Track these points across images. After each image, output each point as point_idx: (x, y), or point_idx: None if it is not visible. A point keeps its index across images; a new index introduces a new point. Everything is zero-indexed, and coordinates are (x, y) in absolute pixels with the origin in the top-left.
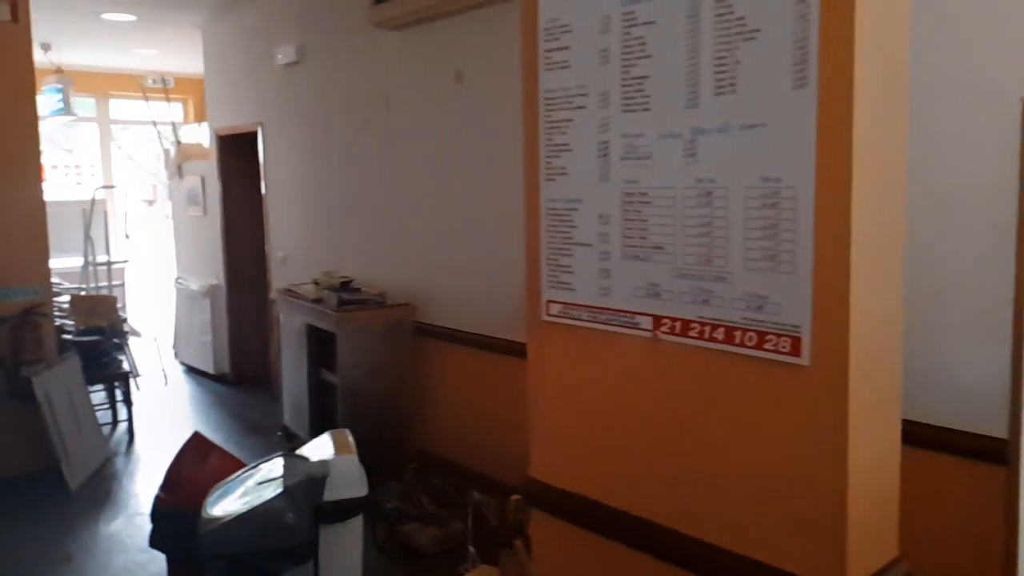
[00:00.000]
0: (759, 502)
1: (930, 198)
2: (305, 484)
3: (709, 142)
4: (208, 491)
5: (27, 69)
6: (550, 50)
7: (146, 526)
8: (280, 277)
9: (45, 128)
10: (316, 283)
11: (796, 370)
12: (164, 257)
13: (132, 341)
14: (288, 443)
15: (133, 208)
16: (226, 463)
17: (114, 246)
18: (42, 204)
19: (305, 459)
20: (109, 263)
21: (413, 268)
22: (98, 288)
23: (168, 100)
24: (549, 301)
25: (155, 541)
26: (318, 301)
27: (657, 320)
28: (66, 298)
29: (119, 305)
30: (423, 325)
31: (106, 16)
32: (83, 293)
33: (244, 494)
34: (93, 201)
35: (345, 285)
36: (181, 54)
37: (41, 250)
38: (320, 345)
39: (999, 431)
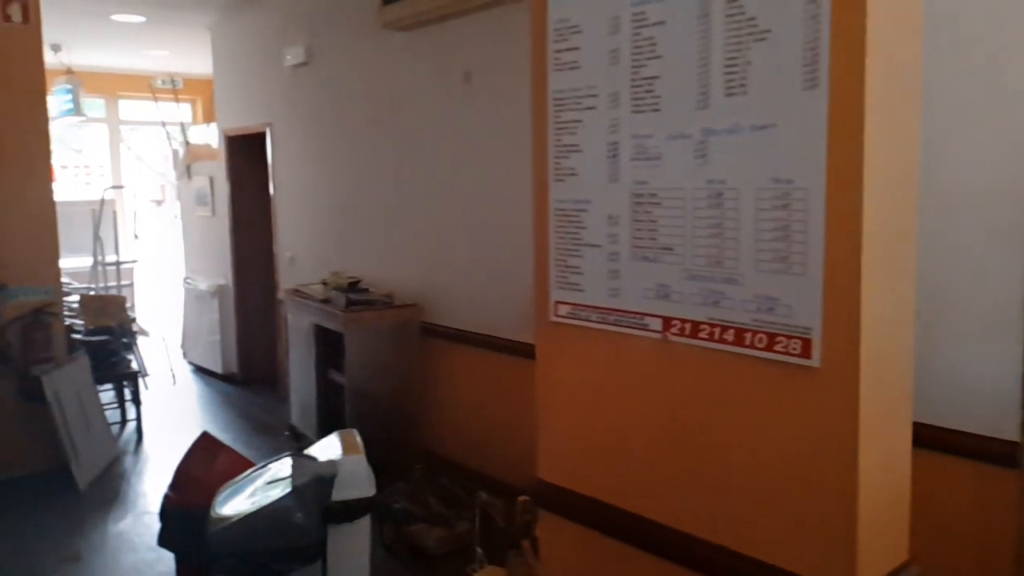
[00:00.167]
0: (769, 504)
1: (938, 198)
2: (313, 484)
3: (720, 143)
4: (217, 490)
5: (37, 70)
6: (559, 50)
7: (155, 525)
8: (288, 277)
9: (55, 128)
10: (324, 283)
11: (806, 372)
12: (173, 257)
13: (141, 341)
14: (296, 443)
15: (142, 208)
16: (235, 463)
17: (123, 246)
18: (52, 204)
19: (313, 459)
20: (118, 263)
21: (421, 268)
22: (107, 288)
23: (177, 101)
24: (558, 302)
25: (164, 540)
26: (326, 301)
27: (667, 321)
28: (75, 298)
29: (128, 305)
30: (430, 326)
31: (116, 17)
32: (92, 293)
33: (253, 494)
34: (102, 201)
35: (353, 285)
36: (190, 55)
37: (51, 250)
38: (328, 345)
39: (1010, 434)
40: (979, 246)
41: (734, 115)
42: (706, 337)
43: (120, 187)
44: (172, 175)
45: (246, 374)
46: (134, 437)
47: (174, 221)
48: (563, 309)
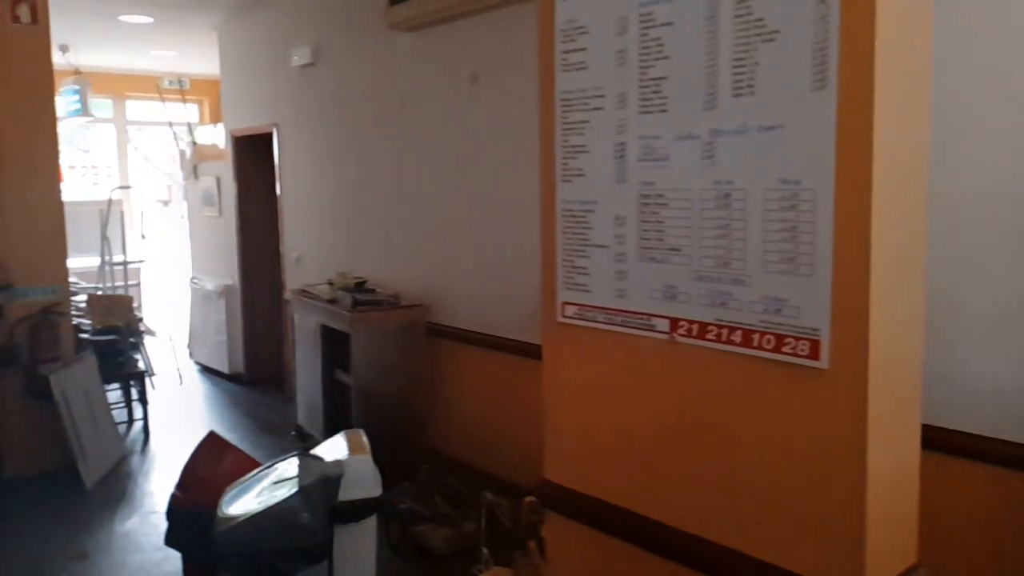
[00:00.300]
0: (776, 506)
1: (944, 198)
2: (320, 484)
3: (727, 144)
4: (223, 490)
5: (46, 70)
6: (567, 51)
7: (161, 524)
8: (294, 277)
9: (62, 129)
10: (330, 283)
11: (815, 373)
12: (179, 257)
13: (148, 340)
14: (302, 443)
15: (149, 208)
16: (241, 462)
17: (130, 246)
18: (60, 204)
19: (320, 459)
20: (125, 263)
21: (427, 269)
22: (114, 288)
23: (184, 101)
24: (565, 303)
25: (171, 539)
26: (332, 301)
27: (674, 322)
28: (83, 297)
29: (135, 305)
30: (437, 326)
31: (123, 18)
32: (100, 293)
33: (259, 493)
34: (110, 201)
35: (359, 286)
36: (197, 55)
37: (59, 250)
38: (334, 345)
39: (1017, 435)
40: (985, 247)
41: (742, 116)
42: (713, 338)
43: (127, 187)
44: (179, 175)
45: (252, 374)
46: (141, 437)
47: (181, 221)
48: (570, 310)
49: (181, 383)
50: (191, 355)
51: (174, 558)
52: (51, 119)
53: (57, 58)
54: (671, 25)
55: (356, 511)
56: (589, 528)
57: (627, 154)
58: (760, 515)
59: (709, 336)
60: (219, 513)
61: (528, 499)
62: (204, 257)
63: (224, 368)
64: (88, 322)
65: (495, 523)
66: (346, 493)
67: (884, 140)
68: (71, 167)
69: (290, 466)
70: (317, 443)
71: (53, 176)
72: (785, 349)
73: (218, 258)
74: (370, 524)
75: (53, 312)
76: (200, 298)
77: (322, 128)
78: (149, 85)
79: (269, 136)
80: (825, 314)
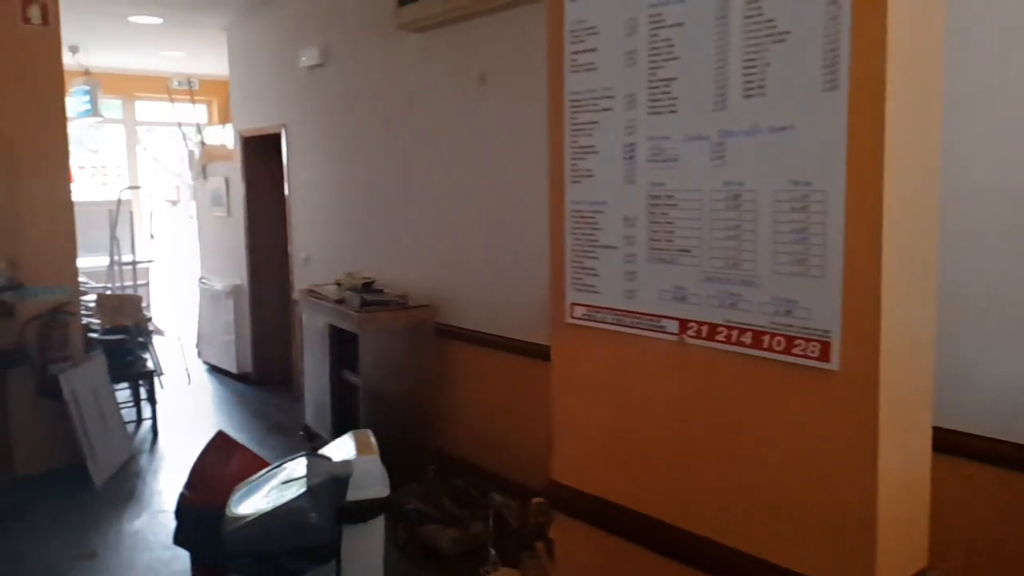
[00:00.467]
0: (786, 508)
1: (954, 199)
2: (328, 484)
3: (737, 145)
4: (232, 490)
5: (56, 71)
6: (576, 52)
7: (170, 524)
8: (303, 278)
9: (72, 129)
10: (338, 284)
11: (825, 375)
12: (188, 257)
13: (156, 340)
14: (310, 443)
15: (158, 208)
16: (250, 462)
17: (139, 246)
18: (70, 205)
19: (328, 459)
20: (134, 263)
21: (435, 269)
22: (123, 287)
23: (193, 102)
24: (573, 304)
25: (179, 539)
26: (340, 302)
27: (683, 324)
28: (92, 297)
29: (144, 304)
30: (445, 326)
31: (133, 19)
32: (109, 292)
33: (268, 493)
34: (119, 201)
35: (367, 286)
36: (206, 56)
37: (69, 250)
38: (342, 345)
39: None
40: (998, 247)
41: (752, 116)
42: (723, 340)
43: (137, 187)
44: (188, 176)
45: (260, 374)
46: (149, 436)
47: (189, 221)
48: (579, 311)
49: (189, 383)
50: (199, 355)
51: (183, 557)
52: (61, 120)
53: (67, 59)
54: (681, 26)
55: (364, 511)
56: (597, 529)
57: (636, 155)
58: (770, 517)
59: (719, 337)
60: (228, 513)
61: (536, 500)
62: (213, 257)
63: (232, 368)
64: (97, 322)
65: (503, 524)
66: (354, 493)
67: (896, 141)
68: (81, 167)
69: (298, 466)
70: (325, 443)
71: (64, 176)
72: (795, 351)
73: (227, 258)
74: (378, 524)
75: (63, 312)
76: (209, 298)
77: (331, 129)
78: (158, 86)
79: (278, 136)
80: (836, 316)
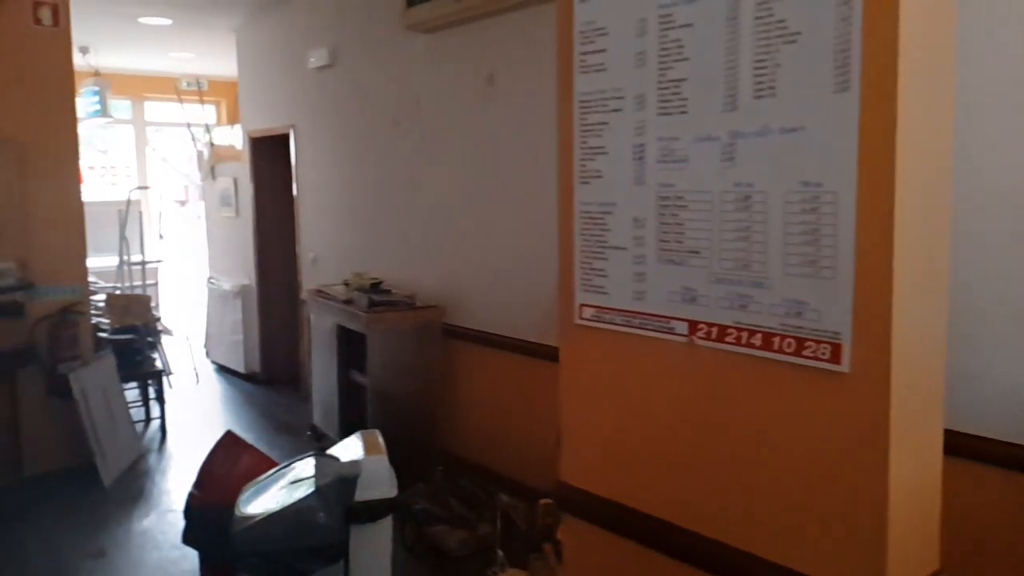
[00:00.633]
0: (797, 511)
1: (972, 199)
2: (336, 484)
3: (748, 146)
4: (241, 489)
5: (67, 72)
6: (585, 53)
7: (178, 523)
8: (310, 278)
9: (82, 130)
10: (346, 284)
11: (836, 377)
12: (197, 257)
13: (165, 340)
14: (317, 443)
15: (167, 209)
16: (258, 462)
17: (148, 246)
18: (80, 205)
19: (336, 459)
20: (143, 262)
21: (443, 270)
22: (132, 287)
23: (202, 102)
24: (582, 305)
25: (188, 538)
26: (348, 302)
27: (693, 325)
28: (102, 297)
29: (153, 304)
30: (452, 327)
31: (143, 20)
32: (118, 292)
33: (276, 493)
34: (128, 202)
35: (375, 286)
36: (215, 57)
37: (79, 250)
38: (350, 346)
39: None
40: (1010, 248)
41: (763, 117)
42: (733, 341)
43: (146, 188)
44: (196, 176)
45: (268, 374)
46: (158, 435)
47: (197, 221)
48: (588, 312)
49: (197, 382)
50: (207, 354)
51: (191, 556)
52: (72, 120)
53: (77, 60)
54: (691, 27)
55: (372, 511)
56: (606, 531)
57: (646, 156)
58: (780, 520)
59: (729, 339)
60: (236, 512)
61: (543, 502)
62: (221, 257)
63: (240, 367)
64: (107, 321)
65: (510, 525)
66: (362, 493)
67: (907, 142)
68: (90, 168)
69: (307, 466)
70: (332, 443)
71: (74, 177)
72: (806, 353)
73: (235, 258)
74: (386, 525)
75: (73, 311)
76: (217, 298)
77: (339, 129)
78: (167, 86)
79: (286, 137)
80: (847, 318)
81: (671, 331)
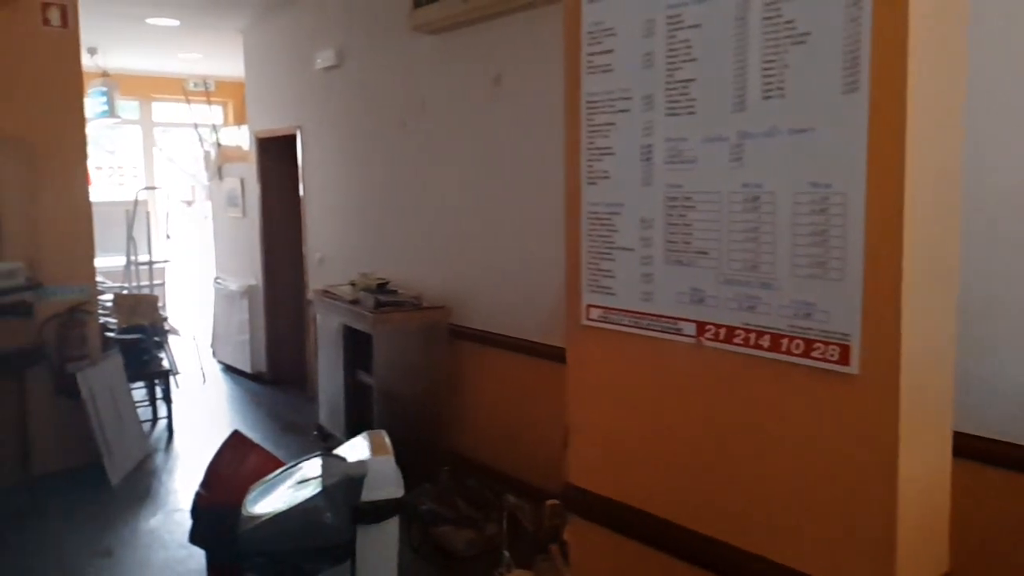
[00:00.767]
0: (805, 512)
1: (982, 199)
2: (343, 484)
3: (756, 146)
4: (247, 489)
5: (75, 72)
6: (593, 53)
7: (185, 522)
8: (317, 278)
9: (89, 130)
10: (353, 284)
11: (845, 379)
12: (203, 257)
13: (171, 339)
14: (323, 443)
15: (174, 209)
16: (265, 461)
17: (155, 246)
18: (89, 205)
19: (343, 459)
20: (151, 262)
21: (449, 270)
22: (140, 287)
23: (209, 103)
24: (589, 305)
25: (195, 538)
26: (355, 302)
27: (701, 326)
28: (109, 297)
29: (160, 304)
30: (459, 327)
31: (151, 21)
32: (125, 292)
33: (283, 493)
34: (136, 202)
35: (381, 287)
36: (222, 58)
37: (87, 250)
38: (356, 346)
39: None
40: (1021, 248)
41: (771, 118)
42: (741, 342)
43: (153, 188)
44: (203, 176)
45: (274, 373)
46: (165, 435)
47: (204, 221)
48: (595, 313)
49: (204, 382)
50: (214, 354)
51: (198, 556)
52: (80, 121)
53: (85, 60)
54: (699, 27)
55: (379, 511)
56: (614, 533)
57: (653, 156)
58: (788, 521)
59: (737, 340)
60: (243, 512)
61: (550, 503)
62: (228, 257)
63: (247, 367)
64: (114, 321)
65: (516, 526)
66: (369, 494)
67: (917, 142)
68: (97, 168)
69: (313, 466)
70: (339, 443)
71: (82, 177)
72: (815, 354)
73: (241, 258)
74: (392, 525)
75: (81, 311)
76: (223, 298)
77: (345, 130)
78: (175, 87)
79: (293, 138)
80: (855, 319)
81: (679, 332)
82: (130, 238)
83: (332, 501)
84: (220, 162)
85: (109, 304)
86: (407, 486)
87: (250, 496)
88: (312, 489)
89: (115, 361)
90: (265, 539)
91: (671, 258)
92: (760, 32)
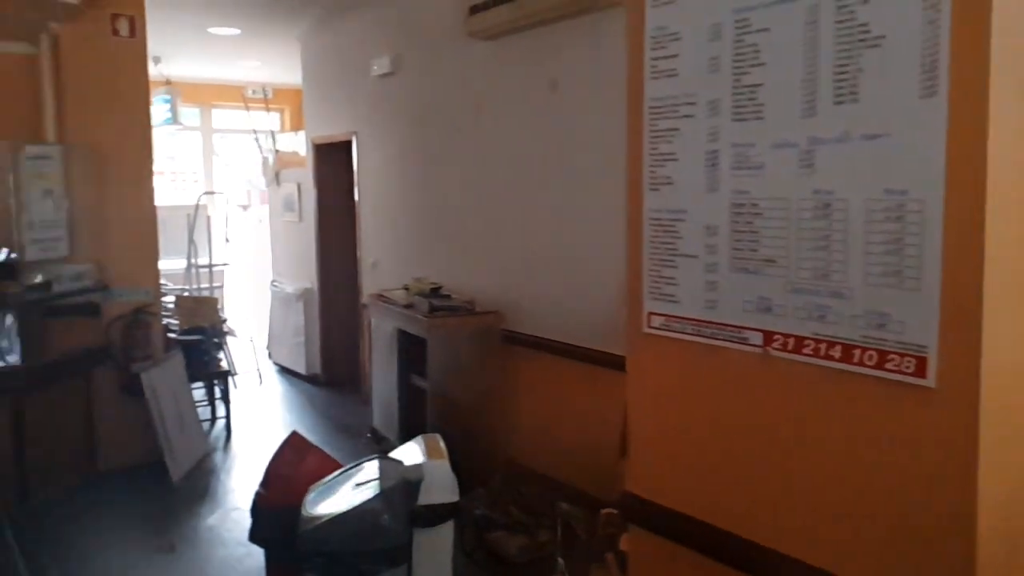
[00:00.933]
0: (877, 530)
1: None
2: (401, 487)
3: (827, 152)
4: (305, 489)
5: (142, 81)
6: (656, 58)
7: (243, 521)
8: (371, 282)
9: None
10: (406, 289)
11: (921, 392)
12: (260, 261)
13: (230, 341)
14: (377, 445)
15: (233, 213)
16: (323, 463)
17: (215, 249)
18: (154, 209)
19: (399, 462)
20: (211, 265)
21: (502, 276)
22: (200, 289)
23: (267, 110)
24: (651, 313)
25: (255, 536)
26: (409, 307)
27: (768, 336)
28: (171, 299)
29: (219, 306)
30: (512, 333)
31: (213, 30)
32: (186, 294)
33: (342, 494)
34: (196, 206)
35: (435, 291)
36: (281, 65)
37: (151, 253)
38: (410, 350)
39: None
40: None
41: (844, 124)
42: (811, 353)
43: (213, 193)
44: (261, 181)
45: (329, 376)
46: (223, 434)
47: (259, 225)
48: (656, 320)
49: (260, 383)
50: (270, 356)
51: (257, 554)
52: (147, 128)
53: (150, 69)
54: (768, 31)
55: (434, 515)
56: (673, 543)
57: (719, 162)
58: (859, 539)
59: (806, 351)
60: (303, 512)
61: (605, 511)
62: (284, 261)
63: (302, 369)
64: (175, 322)
65: (570, 533)
66: (425, 497)
67: (999, 149)
68: (160, 173)
69: (371, 468)
70: (392, 446)
71: (148, 183)
72: (889, 366)
73: (298, 262)
74: (447, 529)
75: (145, 312)
76: (280, 301)
77: (400, 136)
78: (234, 94)
79: (348, 144)
80: (933, 330)
81: (744, 341)
82: (191, 242)
83: (390, 504)
84: (277, 167)
85: (171, 306)
86: (460, 491)
87: (309, 497)
88: (370, 492)
89: (177, 361)
90: (324, 540)
91: (737, 266)
92: (832, 36)
